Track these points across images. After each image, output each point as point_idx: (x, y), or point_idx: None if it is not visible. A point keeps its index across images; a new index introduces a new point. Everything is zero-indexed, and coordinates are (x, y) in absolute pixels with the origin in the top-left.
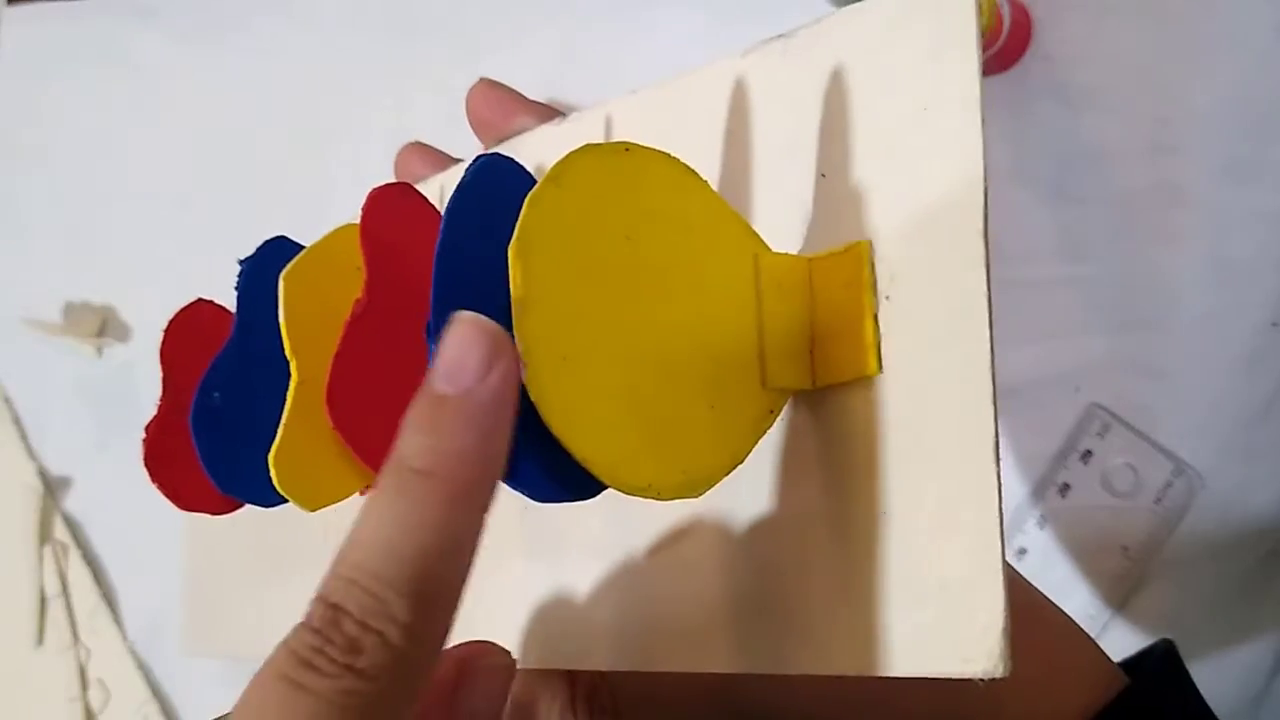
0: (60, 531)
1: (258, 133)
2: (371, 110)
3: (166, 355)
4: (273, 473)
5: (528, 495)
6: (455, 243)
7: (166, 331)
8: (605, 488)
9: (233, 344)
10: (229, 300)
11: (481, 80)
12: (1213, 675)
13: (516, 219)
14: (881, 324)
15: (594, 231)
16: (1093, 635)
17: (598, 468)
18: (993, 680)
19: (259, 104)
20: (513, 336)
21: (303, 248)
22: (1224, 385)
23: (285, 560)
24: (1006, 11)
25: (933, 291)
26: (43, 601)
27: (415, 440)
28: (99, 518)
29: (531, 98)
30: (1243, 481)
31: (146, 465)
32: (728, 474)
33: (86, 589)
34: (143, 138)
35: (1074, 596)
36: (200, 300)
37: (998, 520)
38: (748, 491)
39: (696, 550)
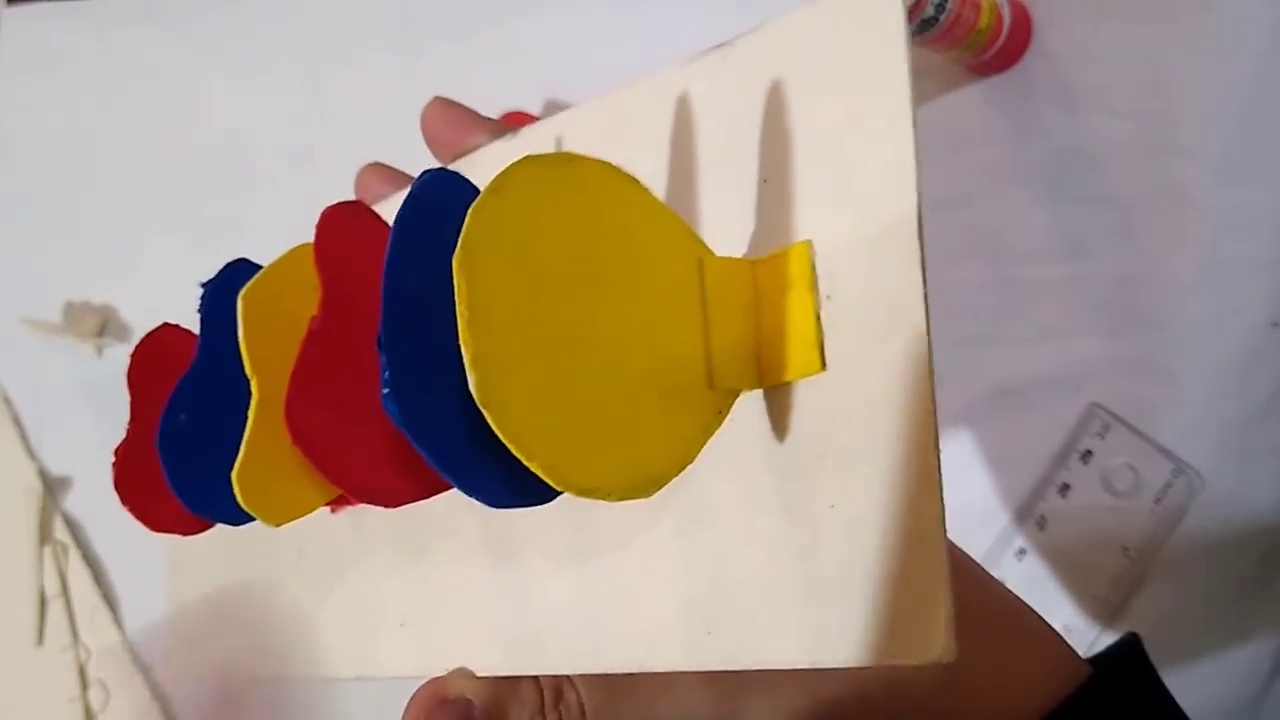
0: (60, 531)
1: (257, 133)
2: (370, 112)
3: (134, 380)
4: (236, 490)
5: (483, 502)
6: (403, 256)
7: (133, 357)
8: (559, 492)
9: (197, 366)
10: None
11: (435, 99)
12: (1213, 675)
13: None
14: (824, 322)
15: (537, 240)
16: (1092, 636)
17: (547, 471)
18: (957, 675)
19: (259, 105)
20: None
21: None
22: (1224, 385)
23: (263, 583)
24: (1006, 11)
25: (872, 288)
26: (43, 601)
27: None
28: (99, 518)
29: (528, 101)
30: (1243, 481)
31: (117, 489)
32: (677, 474)
33: (86, 589)
34: (143, 138)
35: (1074, 597)
36: (165, 325)
37: (940, 512)
38: (700, 492)
39: (652, 552)
